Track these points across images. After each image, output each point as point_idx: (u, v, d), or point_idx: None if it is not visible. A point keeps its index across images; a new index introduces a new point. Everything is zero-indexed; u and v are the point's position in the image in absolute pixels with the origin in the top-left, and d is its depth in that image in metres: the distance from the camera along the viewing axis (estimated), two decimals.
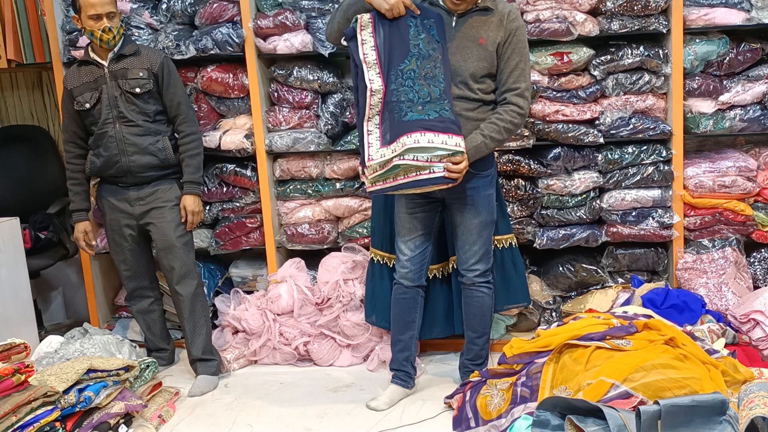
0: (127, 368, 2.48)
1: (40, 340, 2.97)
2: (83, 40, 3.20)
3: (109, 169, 2.81)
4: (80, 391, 2.30)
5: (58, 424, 2.21)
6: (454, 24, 2.43)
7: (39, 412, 2.16)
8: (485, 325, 2.66)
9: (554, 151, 3.04)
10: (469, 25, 2.42)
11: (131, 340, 3.04)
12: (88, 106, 2.78)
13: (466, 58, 2.40)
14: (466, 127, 2.42)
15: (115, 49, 2.78)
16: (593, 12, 2.98)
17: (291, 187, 3.27)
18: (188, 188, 2.86)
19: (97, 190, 2.95)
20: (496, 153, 3.02)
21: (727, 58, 2.97)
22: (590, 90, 3.02)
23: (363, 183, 3.18)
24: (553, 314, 3.17)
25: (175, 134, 2.90)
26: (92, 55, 2.80)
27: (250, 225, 3.30)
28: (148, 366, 2.64)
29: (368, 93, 2.33)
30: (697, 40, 2.97)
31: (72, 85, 2.82)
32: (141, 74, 2.77)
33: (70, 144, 2.91)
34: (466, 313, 2.67)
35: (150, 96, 2.80)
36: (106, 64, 2.78)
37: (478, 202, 2.51)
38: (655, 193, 3.05)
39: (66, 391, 2.27)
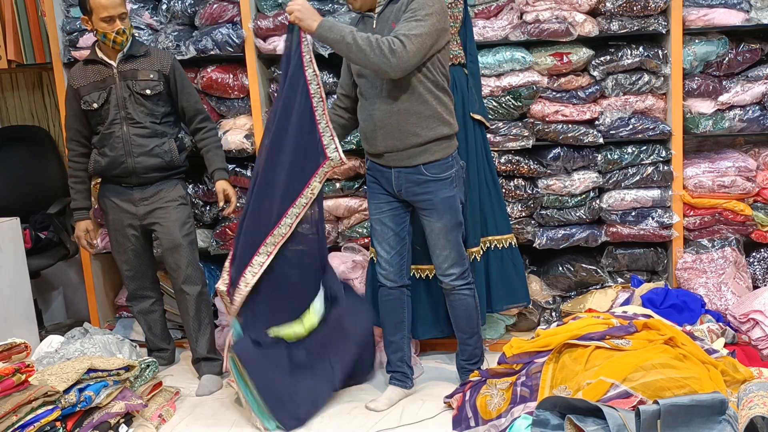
0: (128, 368, 2.48)
1: (41, 340, 2.98)
2: (83, 41, 3.21)
3: (114, 170, 2.80)
4: (80, 390, 2.31)
5: (58, 423, 2.22)
6: (375, 24, 2.43)
7: (39, 411, 2.17)
8: (473, 324, 2.66)
9: (554, 151, 3.05)
10: (385, 18, 2.43)
11: (132, 340, 3.05)
12: (96, 106, 2.76)
13: None
14: (404, 122, 2.41)
15: (125, 50, 2.76)
16: (593, 12, 2.99)
17: None
18: (221, 174, 2.88)
19: (100, 189, 2.95)
20: (494, 153, 3.03)
21: (727, 59, 2.97)
22: (590, 90, 3.02)
23: (363, 183, 3.20)
24: (553, 314, 3.18)
25: (187, 131, 2.91)
26: (100, 54, 2.78)
27: None
28: (148, 366, 2.64)
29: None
30: (697, 41, 2.97)
31: (78, 84, 2.79)
32: (152, 76, 2.76)
33: (74, 142, 2.89)
34: (453, 317, 2.67)
35: (159, 98, 2.80)
36: (114, 64, 2.76)
37: (439, 206, 2.49)
38: (655, 193, 3.05)
39: (66, 391, 2.27)
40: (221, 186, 2.86)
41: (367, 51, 2.27)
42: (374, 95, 2.44)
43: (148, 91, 2.76)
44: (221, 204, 2.87)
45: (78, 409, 2.29)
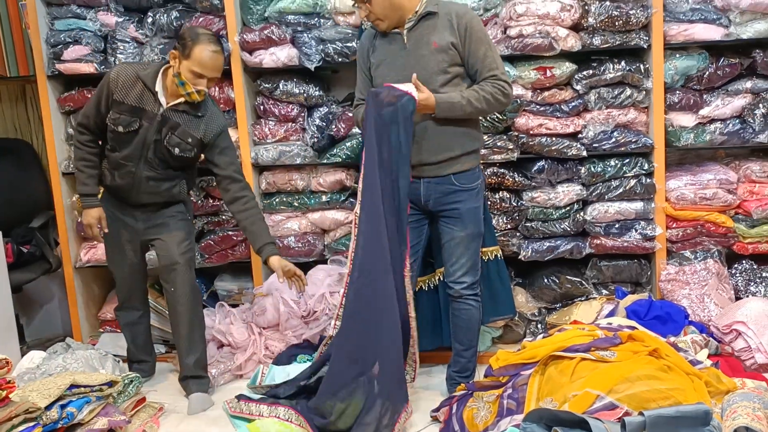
0: (111, 383, 2.45)
1: (22, 356, 2.93)
2: (68, 53, 3.19)
3: (118, 194, 2.76)
4: (63, 407, 2.27)
5: None
6: (405, 40, 2.45)
7: (20, 428, 2.13)
8: (472, 337, 2.67)
9: (538, 164, 3.07)
10: (420, 34, 2.44)
11: (115, 355, 3.01)
12: (121, 130, 2.61)
13: (425, 64, 2.42)
14: (440, 137, 2.44)
15: (187, 102, 2.61)
16: (575, 27, 3.03)
17: (277, 199, 3.27)
18: (272, 249, 2.70)
19: (101, 200, 2.83)
20: (482, 166, 3.05)
21: (707, 73, 3.02)
22: (573, 104, 3.06)
23: (349, 196, 3.20)
24: (539, 326, 3.19)
25: (230, 196, 2.74)
26: (159, 86, 2.60)
27: (235, 238, 3.29)
28: (131, 381, 2.61)
29: None
30: (678, 55, 3.02)
31: (120, 97, 2.58)
32: (189, 140, 2.64)
33: (87, 128, 2.69)
34: (453, 326, 2.68)
35: (184, 159, 2.70)
36: (165, 105, 2.61)
37: (465, 216, 2.53)
38: (638, 205, 3.08)
39: (48, 407, 2.23)
40: (279, 263, 2.67)
41: (486, 108, 2.44)
42: None
43: (176, 151, 2.64)
44: (281, 280, 2.69)
45: (60, 425, 2.25)
